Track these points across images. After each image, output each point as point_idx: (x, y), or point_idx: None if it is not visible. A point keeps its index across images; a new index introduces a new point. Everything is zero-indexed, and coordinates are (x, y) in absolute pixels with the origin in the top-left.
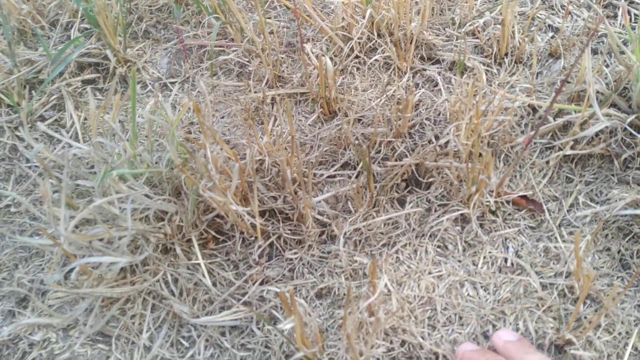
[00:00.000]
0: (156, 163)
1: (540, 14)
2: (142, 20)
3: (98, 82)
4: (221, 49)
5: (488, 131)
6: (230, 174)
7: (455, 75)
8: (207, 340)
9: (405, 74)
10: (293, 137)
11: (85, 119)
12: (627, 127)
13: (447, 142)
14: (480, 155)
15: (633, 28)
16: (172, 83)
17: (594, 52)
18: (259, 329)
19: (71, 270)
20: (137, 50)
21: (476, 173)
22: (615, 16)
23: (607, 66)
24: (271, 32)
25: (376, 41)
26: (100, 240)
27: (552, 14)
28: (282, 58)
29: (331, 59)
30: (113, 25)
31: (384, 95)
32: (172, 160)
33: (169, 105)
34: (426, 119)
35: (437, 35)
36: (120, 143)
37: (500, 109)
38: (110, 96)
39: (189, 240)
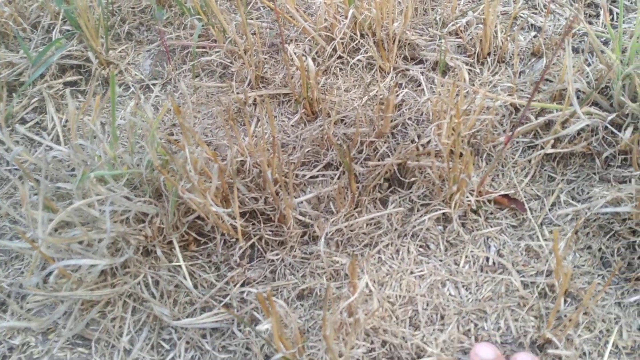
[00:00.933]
0: (137, 165)
1: (523, 13)
2: (125, 22)
3: (80, 85)
4: (204, 50)
5: (470, 130)
6: (211, 175)
7: (438, 75)
8: (187, 343)
9: (388, 74)
10: (274, 137)
11: (67, 121)
12: (608, 125)
13: (428, 142)
14: (462, 154)
15: (614, 27)
16: (154, 85)
17: (576, 50)
18: (239, 330)
19: (50, 273)
20: (120, 52)
21: (457, 172)
22: (598, 15)
23: (589, 65)
24: (254, 33)
25: (359, 41)
26: (80, 243)
27: (535, 13)
28: (265, 59)
29: (314, 59)
30: (95, 27)
31: (367, 96)
32: (153, 161)
33: (150, 106)
34: (409, 119)
35: (421, 35)
36: (100, 145)
37: (482, 108)
38: (90, 98)
39: (170, 243)
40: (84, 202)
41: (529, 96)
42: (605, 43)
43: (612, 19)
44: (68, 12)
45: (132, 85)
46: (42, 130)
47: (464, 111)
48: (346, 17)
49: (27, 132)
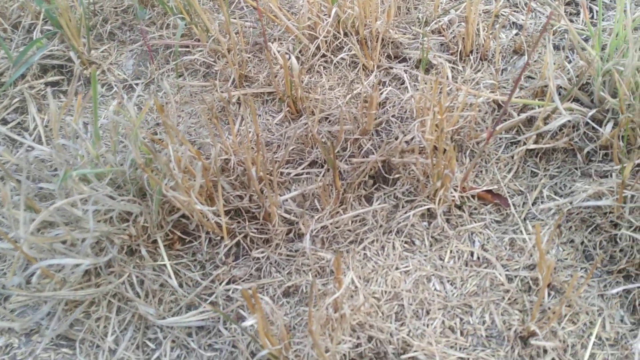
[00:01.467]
0: (121, 164)
1: (504, 11)
2: (107, 22)
3: (62, 85)
4: (187, 49)
5: (453, 126)
6: (195, 173)
7: (421, 72)
8: (173, 342)
9: (372, 72)
10: (258, 135)
11: (49, 121)
12: (589, 121)
13: (412, 139)
14: (445, 150)
15: (594, 24)
16: (137, 84)
17: (557, 48)
18: (226, 328)
19: (33, 273)
20: (102, 52)
21: (441, 168)
22: (578, 13)
23: (569, 62)
24: (237, 32)
25: (342, 40)
26: (63, 242)
27: (516, 11)
28: (249, 57)
29: (297, 58)
30: (76, 27)
31: (350, 94)
32: (136, 160)
33: (132, 105)
34: (393, 116)
35: (404, 34)
36: (83, 144)
37: (465, 105)
38: (72, 97)
39: (155, 241)
40: (67, 201)
41: (510, 93)
42: (585, 40)
43: (591, 17)
44: (49, 11)
45: (115, 85)
46: (24, 131)
47: (447, 108)
48: (329, 16)
49: (9, 133)
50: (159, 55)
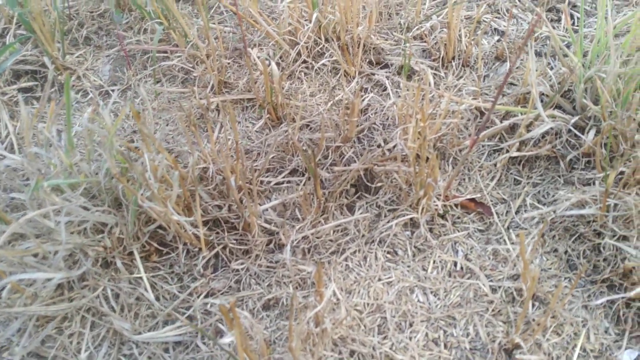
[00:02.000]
0: (95, 174)
1: (486, 17)
2: (83, 26)
3: (35, 91)
4: (165, 54)
5: (436, 134)
6: (172, 183)
7: (403, 78)
8: (149, 358)
9: (353, 78)
10: (237, 142)
11: (21, 128)
12: (572, 128)
13: (394, 146)
14: (428, 158)
15: (575, 31)
16: (113, 90)
17: (539, 54)
18: (204, 343)
19: (3, 288)
20: (78, 57)
21: (423, 176)
22: (559, 20)
23: (551, 68)
24: (216, 38)
25: (324, 45)
26: (35, 255)
27: (498, 18)
28: (228, 63)
29: (278, 63)
30: (51, 31)
31: (332, 100)
32: (111, 169)
33: (108, 112)
34: (375, 123)
35: (386, 40)
36: (56, 153)
37: (447, 112)
38: (44, 104)
39: (131, 253)
40: (38, 212)
41: (493, 100)
42: (567, 46)
43: (573, 23)
44: (22, 15)
45: (91, 91)
46: None
47: (430, 115)
48: (310, 21)
49: None
50: (136, 61)
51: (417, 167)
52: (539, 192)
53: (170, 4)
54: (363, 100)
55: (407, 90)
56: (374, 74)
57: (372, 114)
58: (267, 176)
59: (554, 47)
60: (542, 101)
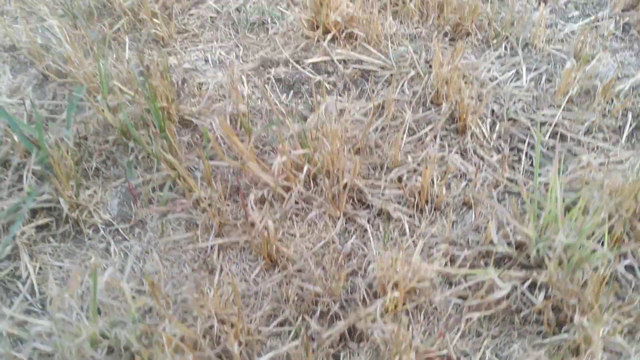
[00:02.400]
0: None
1: (454, 159)
2: (92, 156)
3: (51, 227)
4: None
5: (410, 297)
6: (185, 349)
7: (383, 221)
8: None
9: (338, 219)
10: (240, 309)
11: (40, 268)
12: (525, 290)
13: (376, 309)
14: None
15: (531, 172)
16: (123, 229)
17: (500, 200)
18: None
19: None
20: (89, 193)
21: (399, 340)
22: (519, 160)
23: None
24: (216, 178)
25: (313, 189)
26: None
27: (465, 161)
28: (228, 204)
29: (271, 204)
30: (67, 172)
31: (319, 244)
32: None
33: (126, 285)
34: (358, 268)
35: (366, 178)
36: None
37: (420, 277)
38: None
39: None
40: None
41: (461, 252)
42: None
43: (530, 164)
44: (43, 160)
45: (102, 228)
46: (16, 279)
47: (404, 279)
48: (302, 171)
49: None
50: (142, 196)
51: (394, 332)
52: (497, 345)
53: (177, 165)
54: (346, 242)
55: (385, 247)
56: (357, 216)
57: (355, 260)
58: (260, 324)
59: (512, 209)
60: (502, 259)
